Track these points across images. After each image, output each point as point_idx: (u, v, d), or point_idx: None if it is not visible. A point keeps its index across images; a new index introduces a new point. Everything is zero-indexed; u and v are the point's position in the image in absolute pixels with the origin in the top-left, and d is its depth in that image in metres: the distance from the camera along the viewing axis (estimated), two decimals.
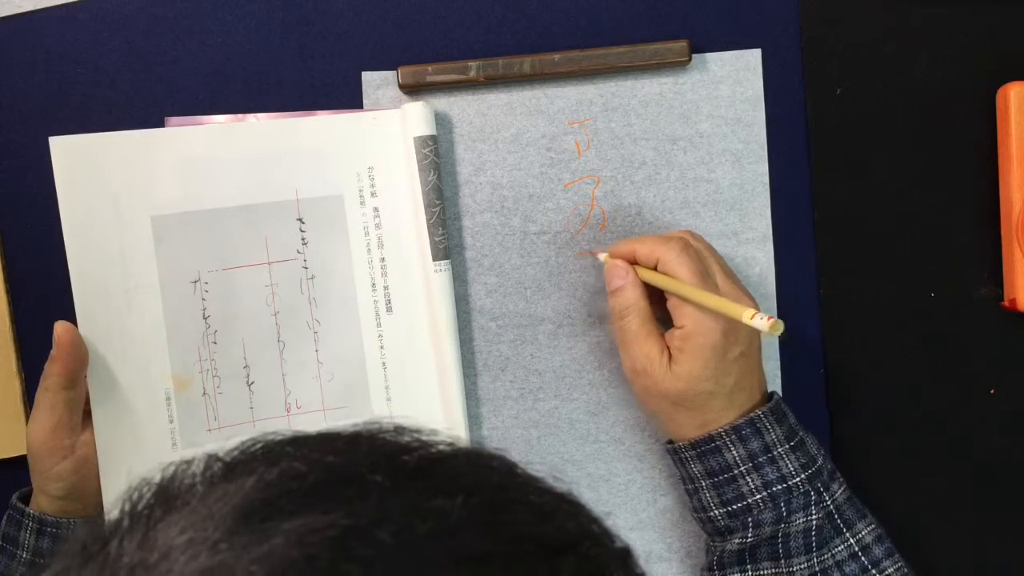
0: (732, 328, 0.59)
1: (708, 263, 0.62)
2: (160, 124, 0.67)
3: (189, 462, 0.30)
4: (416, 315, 0.67)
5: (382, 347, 0.67)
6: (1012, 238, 0.67)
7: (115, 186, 0.63)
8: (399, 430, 0.31)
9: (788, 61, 0.69)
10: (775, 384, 0.69)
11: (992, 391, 0.70)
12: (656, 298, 0.63)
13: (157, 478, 0.30)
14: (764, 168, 0.69)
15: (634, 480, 0.69)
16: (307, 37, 0.68)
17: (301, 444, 0.30)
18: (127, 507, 0.29)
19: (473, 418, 0.68)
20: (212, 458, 0.30)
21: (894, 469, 0.70)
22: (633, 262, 0.63)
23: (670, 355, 0.61)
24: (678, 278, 0.60)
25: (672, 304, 0.61)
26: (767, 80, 0.69)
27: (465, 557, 0.27)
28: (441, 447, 0.31)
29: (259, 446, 0.30)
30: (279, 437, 0.30)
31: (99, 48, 0.67)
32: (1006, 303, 0.68)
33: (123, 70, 0.67)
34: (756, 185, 0.69)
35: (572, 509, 0.31)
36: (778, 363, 0.69)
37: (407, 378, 0.67)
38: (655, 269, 0.62)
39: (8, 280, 0.67)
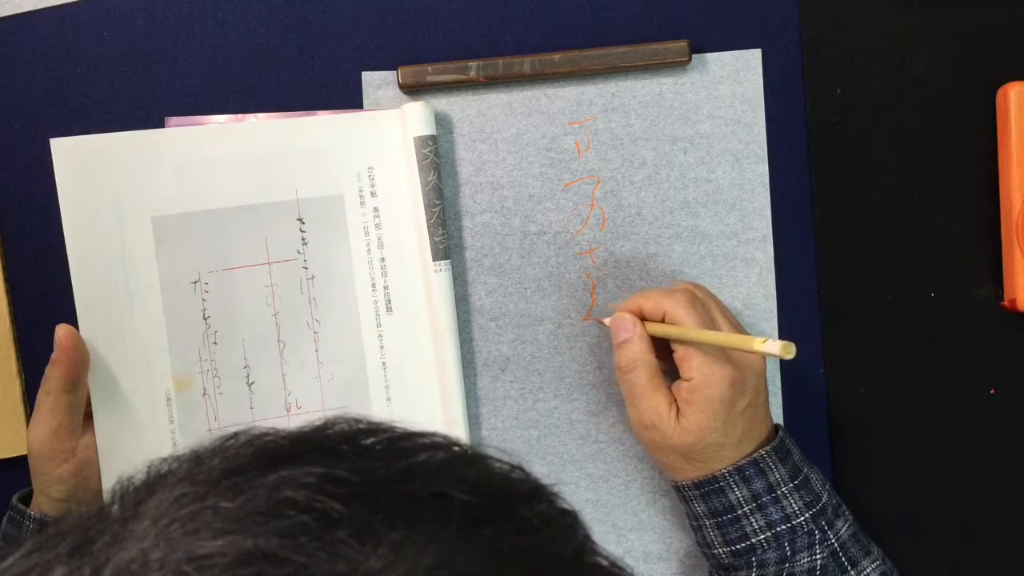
0: (739, 379, 0.60)
1: (713, 313, 0.62)
2: (160, 124, 0.67)
3: (174, 456, 0.33)
4: (416, 315, 0.67)
5: (382, 347, 0.67)
6: (1012, 238, 0.67)
7: (116, 187, 0.63)
8: (360, 420, 0.34)
9: (788, 61, 0.69)
10: (775, 385, 0.69)
11: (992, 391, 0.70)
12: (661, 352, 0.63)
13: (143, 472, 0.32)
14: (764, 168, 0.69)
15: (634, 480, 0.69)
16: (307, 37, 0.68)
17: (272, 430, 0.33)
18: (116, 495, 0.31)
19: (473, 418, 0.69)
20: (194, 451, 0.33)
21: (894, 469, 0.70)
22: (640, 317, 0.63)
23: (678, 408, 0.61)
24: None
25: (679, 357, 0.61)
26: (767, 80, 0.69)
27: (432, 495, 0.30)
28: (398, 430, 0.34)
29: (234, 437, 0.33)
30: (255, 430, 0.33)
31: (99, 48, 0.67)
32: (1006, 303, 0.68)
33: (123, 70, 0.67)
34: (756, 185, 0.69)
35: (523, 474, 0.34)
36: (778, 364, 0.69)
37: (407, 378, 0.67)
38: (661, 321, 0.62)
39: (8, 280, 0.67)
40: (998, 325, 0.69)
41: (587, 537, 0.33)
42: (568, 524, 0.32)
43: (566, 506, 0.33)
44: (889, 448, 0.70)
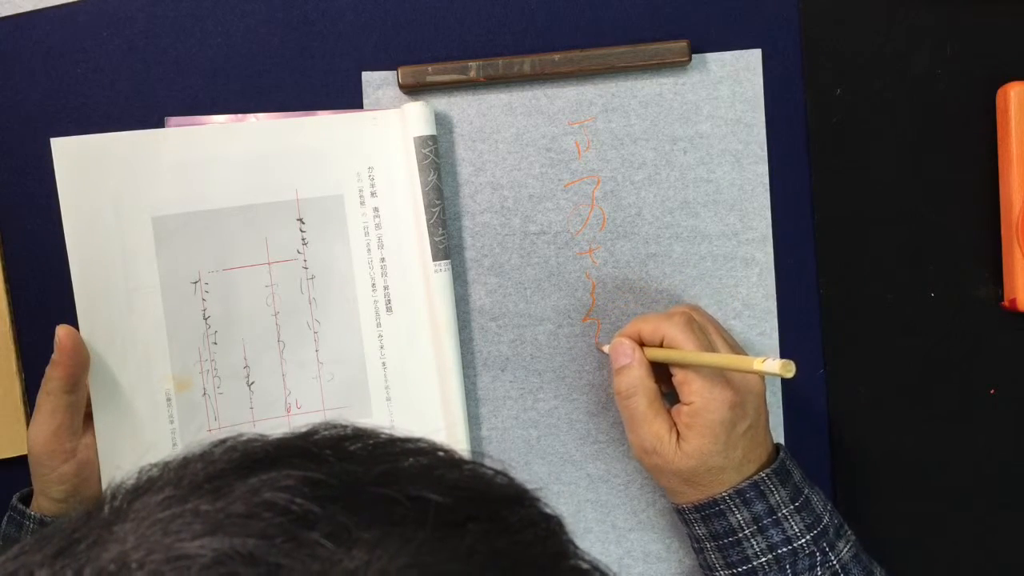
0: (739, 402, 0.60)
1: (711, 336, 0.62)
2: (160, 124, 0.67)
3: (164, 461, 0.33)
4: (416, 315, 0.67)
5: (382, 347, 0.67)
6: (1012, 238, 0.67)
7: (116, 187, 0.63)
8: (346, 426, 0.34)
9: (788, 61, 0.69)
10: (775, 386, 0.69)
11: (992, 391, 0.70)
12: (661, 376, 0.63)
13: (133, 477, 0.33)
14: (764, 168, 0.69)
15: (634, 480, 0.69)
16: (307, 37, 0.68)
17: (259, 436, 0.34)
18: (106, 498, 0.32)
19: (473, 418, 0.69)
20: (184, 456, 0.33)
21: (894, 468, 0.70)
22: (640, 343, 0.63)
23: (678, 433, 0.61)
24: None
25: (678, 380, 0.61)
26: (767, 80, 0.69)
27: (410, 497, 0.30)
28: (383, 435, 0.34)
29: (221, 443, 0.34)
30: (243, 435, 0.34)
31: (99, 48, 0.67)
32: (1006, 303, 0.68)
33: (123, 70, 0.67)
34: (756, 185, 0.69)
35: (507, 479, 0.34)
36: None
37: (407, 378, 0.67)
38: (660, 346, 0.62)
39: (8, 280, 0.67)
40: (998, 325, 0.69)
41: (569, 541, 0.33)
42: (550, 528, 0.33)
43: (549, 511, 0.33)
44: (889, 448, 0.70)
